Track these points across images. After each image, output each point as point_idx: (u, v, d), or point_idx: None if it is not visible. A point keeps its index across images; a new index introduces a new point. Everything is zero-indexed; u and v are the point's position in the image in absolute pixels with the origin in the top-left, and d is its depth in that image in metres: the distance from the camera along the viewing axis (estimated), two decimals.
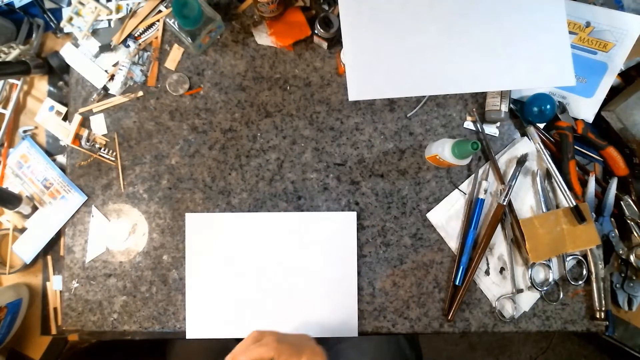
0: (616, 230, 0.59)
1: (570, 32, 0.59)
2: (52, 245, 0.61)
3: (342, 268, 0.58)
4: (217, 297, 0.58)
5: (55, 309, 0.61)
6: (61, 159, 0.62)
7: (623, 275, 0.60)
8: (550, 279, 0.58)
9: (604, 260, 0.59)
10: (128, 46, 0.61)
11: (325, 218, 0.59)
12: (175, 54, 0.61)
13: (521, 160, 0.58)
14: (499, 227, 0.59)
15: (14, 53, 0.62)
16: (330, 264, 0.58)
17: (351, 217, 0.59)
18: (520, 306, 0.59)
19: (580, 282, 0.59)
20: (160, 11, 0.61)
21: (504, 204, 0.57)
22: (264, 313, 0.58)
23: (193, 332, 0.58)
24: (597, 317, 0.58)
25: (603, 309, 0.58)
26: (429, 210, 0.60)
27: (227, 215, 0.59)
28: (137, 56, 0.61)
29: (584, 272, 0.59)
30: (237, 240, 0.58)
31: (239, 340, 0.46)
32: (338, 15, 0.53)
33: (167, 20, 0.58)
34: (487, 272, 0.59)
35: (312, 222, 0.59)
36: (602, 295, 0.58)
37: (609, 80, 0.60)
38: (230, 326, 0.58)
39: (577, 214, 0.56)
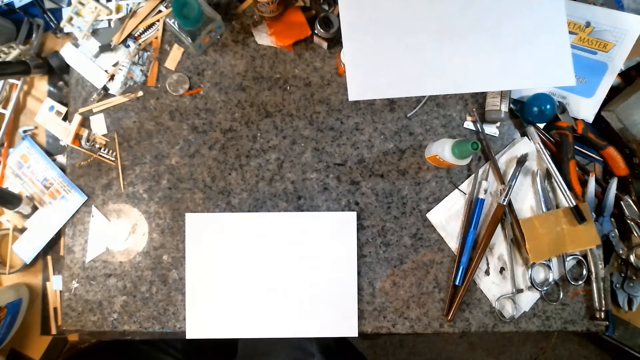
0: (616, 230, 0.59)
1: (570, 32, 0.59)
2: (52, 245, 0.61)
3: (342, 268, 0.58)
4: (217, 297, 0.58)
5: (55, 309, 0.61)
6: (61, 159, 0.62)
7: (623, 275, 0.60)
8: (550, 279, 0.58)
9: (604, 260, 0.59)
10: (128, 46, 0.61)
11: (325, 218, 0.59)
12: (175, 54, 0.61)
13: (521, 160, 0.58)
14: (499, 227, 0.59)
15: (14, 53, 0.62)
16: (330, 264, 0.58)
17: (351, 217, 0.59)
18: (520, 306, 0.59)
19: (580, 282, 0.59)
20: (160, 11, 0.61)
21: (504, 204, 0.57)
22: (264, 313, 0.58)
23: (193, 332, 0.58)
24: (597, 317, 0.58)
25: (603, 309, 0.58)
26: (429, 210, 0.60)
27: (227, 215, 0.59)
28: (137, 56, 0.61)
29: (584, 272, 0.59)
30: (237, 240, 0.58)
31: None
32: (338, 15, 0.53)
33: (167, 20, 0.58)
34: (487, 272, 0.59)
35: (312, 222, 0.59)
36: (602, 295, 0.58)
37: (609, 80, 0.60)
38: (231, 326, 0.58)
39: (577, 214, 0.56)
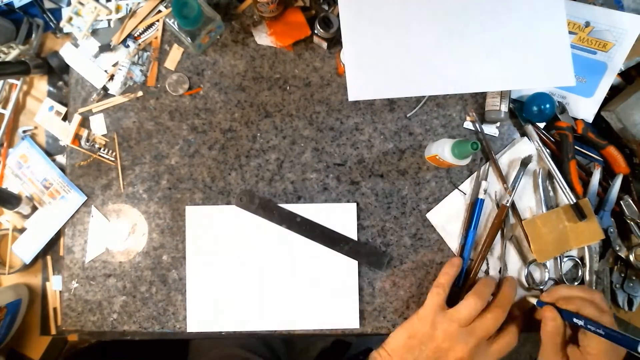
0: (615, 226, 0.59)
1: (570, 32, 0.59)
2: (51, 245, 0.61)
3: (343, 260, 0.58)
4: (218, 290, 0.58)
5: (54, 309, 0.61)
6: (61, 159, 0.62)
7: (623, 275, 0.60)
8: (546, 278, 0.58)
9: (601, 255, 0.59)
10: (128, 46, 0.61)
11: (325, 209, 0.59)
12: (175, 54, 0.61)
13: (525, 162, 0.58)
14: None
15: (13, 53, 0.62)
16: (331, 255, 0.58)
17: (351, 208, 0.59)
18: None
19: (576, 283, 0.59)
20: (160, 11, 0.61)
21: (508, 205, 0.57)
22: (263, 307, 0.58)
23: (193, 325, 0.58)
24: None
25: None
26: (429, 210, 0.60)
27: (227, 208, 0.59)
28: (136, 56, 0.61)
29: (579, 273, 0.59)
30: (237, 232, 0.58)
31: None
32: (338, 15, 0.53)
33: (167, 20, 0.58)
34: (487, 272, 0.59)
35: (312, 214, 0.58)
36: (593, 287, 0.58)
37: (609, 80, 0.60)
38: (230, 320, 0.58)
39: (577, 211, 0.56)
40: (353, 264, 0.58)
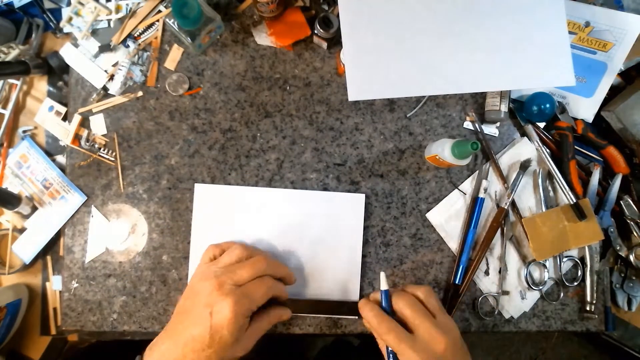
0: (615, 226, 0.60)
1: (569, 32, 0.59)
2: (51, 246, 0.61)
3: (348, 246, 0.58)
4: None
5: (54, 309, 0.61)
6: (61, 159, 0.62)
7: (623, 275, 0.60)
8: (546, 278, 0.58)
9: (601, 255, 0.59)
10: (128, 46, 0.61)
11: (334, 198, 0.58)
12: (175, 54, 0.61)
13: (525, 165, 0.58)
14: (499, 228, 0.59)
15: (13, 53, 0.62)
16: (335, 241, 0.58)
17: (359, 199, 0.58)
18: (521, 306, 0.59)
19: (575, 284, 0.59)
20: (160, 11, 0.61)
21: (506, 207, 0.57)
22: None
23: None
24: (587, 309, 0.58)
25: (594, 302, 0.58)
26: (428, 210, 0.60)
27: (237, 188, 0.59)
28: (136, 56, 0.61)
29: (579, 273, 0.59)
30: (243, 213, 0.58)
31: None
32: (338, 15, 0.53)
33: (167, 20, 0.58)
34: (486, 273, 0.59)
35: (321, 201, 0.58)
36: (595, 288, 0.58)
37: (609, 80, 0.60)
38: None
39: (577, 211, 0.56)
40: (357, 255, 0.58)
